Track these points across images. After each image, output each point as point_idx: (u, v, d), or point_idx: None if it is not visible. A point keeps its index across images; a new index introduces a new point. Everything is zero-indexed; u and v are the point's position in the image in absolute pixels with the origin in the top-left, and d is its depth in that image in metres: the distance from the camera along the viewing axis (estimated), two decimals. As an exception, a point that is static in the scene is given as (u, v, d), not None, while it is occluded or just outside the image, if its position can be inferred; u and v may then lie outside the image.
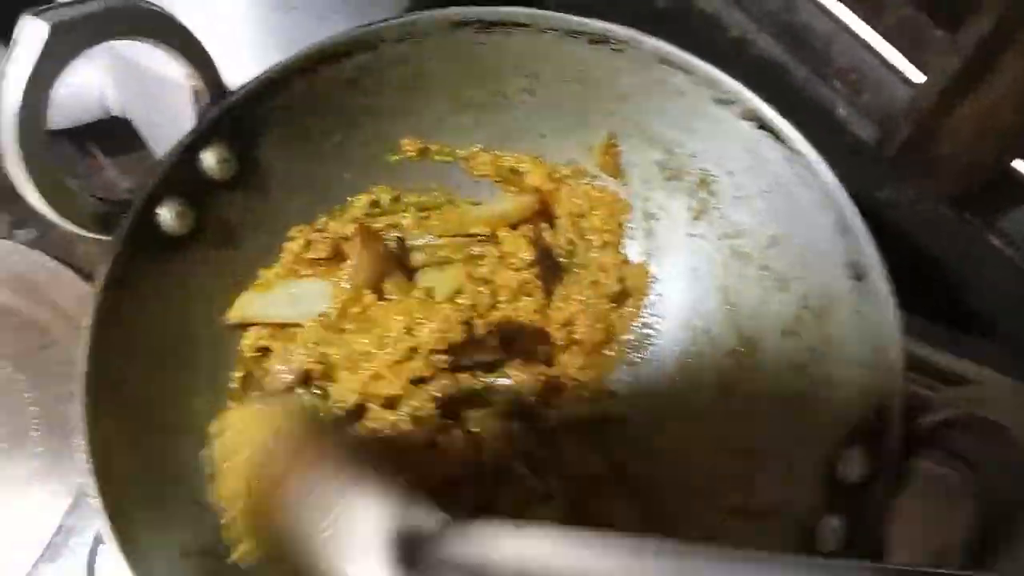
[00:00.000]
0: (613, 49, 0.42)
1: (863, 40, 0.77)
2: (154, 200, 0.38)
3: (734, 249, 0.44)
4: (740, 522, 0.39)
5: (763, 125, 0.40)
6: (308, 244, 0.43)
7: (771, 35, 0.81)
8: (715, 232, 0.44)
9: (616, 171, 0.46)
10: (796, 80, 0.79)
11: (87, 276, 0.66)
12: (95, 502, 0.33)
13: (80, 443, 0.34)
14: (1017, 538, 0.30)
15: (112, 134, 0.68)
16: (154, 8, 0.36)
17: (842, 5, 0.78)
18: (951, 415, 0.33)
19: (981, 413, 0.31)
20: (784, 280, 0.41)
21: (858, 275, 0.37)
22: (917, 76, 0.73)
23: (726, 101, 0.41)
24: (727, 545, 0.38)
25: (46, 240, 0.67)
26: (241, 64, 0.45)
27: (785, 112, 0.50)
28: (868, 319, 0.37)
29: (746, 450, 0.41)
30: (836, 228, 0.38)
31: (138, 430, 0.37)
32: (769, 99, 0.47)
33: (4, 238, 0.68)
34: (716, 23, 0.82)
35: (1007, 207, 0.71)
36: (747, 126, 0.41)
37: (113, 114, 0.64)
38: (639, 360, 0.46)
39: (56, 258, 0.66)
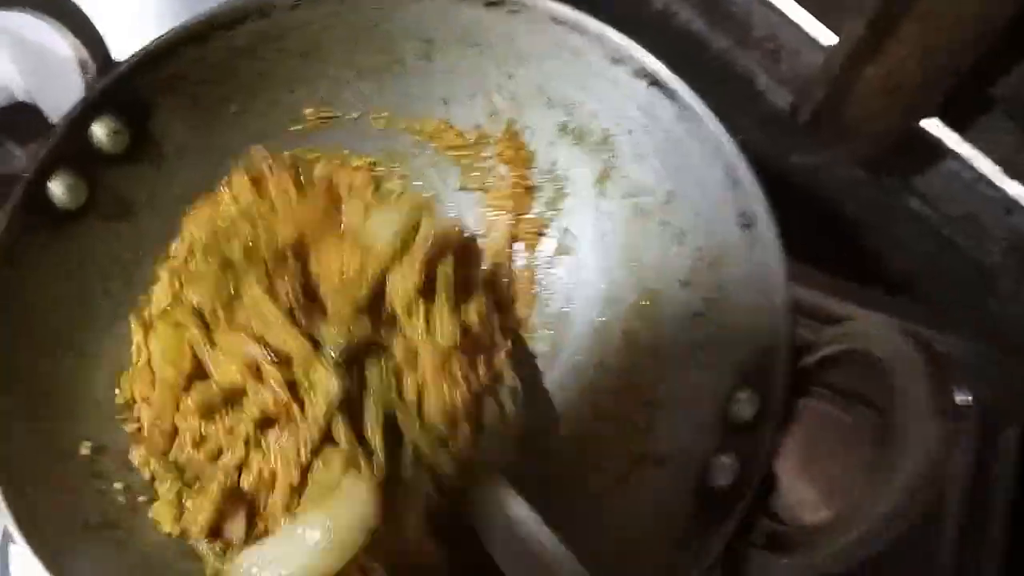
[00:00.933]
0: (509, 11, 0.42)
1: (779, 9, 0.79)
2: (44, 173, 0.37)
3: (636, 207, 0.45)
4: (643, 468, 0.40)
5: (655, 82, 0.41)
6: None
7: (692, 7, 0.82)
8: (619, 191, 0.45)
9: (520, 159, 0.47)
10: (717, 51, 0.81)
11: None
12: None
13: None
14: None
15: (19, 121, 0.66)
16: (30, -25, 0.35)
17: (758, -28, 0.80)
18: (832, 351, 0.34)
19: (858, 347, 0.33)
20: (681, 233, 0.42)
21: (747, 223, 0.38)
22: (830, 40, 0.75)
23: (619, 60, 0.41)
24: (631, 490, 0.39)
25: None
26: (135, 32, 0.44)
27: (706, 82, 0.51)
28: (757, 266, 0.38)
29: (648, 400, 0.42)
30: (726, 180, 0.39)
31: (36, 405, 0.36)
32: (691, 70, 0.48)
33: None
34: (638, -4, 0.83)
35: (921, 168, 0.73)
36: (640, 84, 0.41)
37: (19, 99, 0.63)
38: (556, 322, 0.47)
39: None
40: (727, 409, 0.37)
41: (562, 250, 0.47)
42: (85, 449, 0.38)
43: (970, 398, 0.53)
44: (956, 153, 0.72)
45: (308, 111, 0.45)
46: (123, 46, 0.41)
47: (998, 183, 0.71)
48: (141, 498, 0.39)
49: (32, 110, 0.64)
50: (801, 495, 0.46)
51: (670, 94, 0.41)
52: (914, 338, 0.30)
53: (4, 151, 0.70)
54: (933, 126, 0.71)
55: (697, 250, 0.41)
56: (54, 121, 0.63)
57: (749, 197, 0.38)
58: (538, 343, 0.47)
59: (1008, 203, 0.70)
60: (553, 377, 0.46)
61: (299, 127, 0.45)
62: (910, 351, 0.29)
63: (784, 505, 0.36)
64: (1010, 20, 0.59)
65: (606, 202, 0.46)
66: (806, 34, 0.77)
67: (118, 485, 0.38)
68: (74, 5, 0.37)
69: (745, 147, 0.40)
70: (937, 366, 0.28)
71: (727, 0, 0.81)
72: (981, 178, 0.71)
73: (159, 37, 0.40)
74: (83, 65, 0.39)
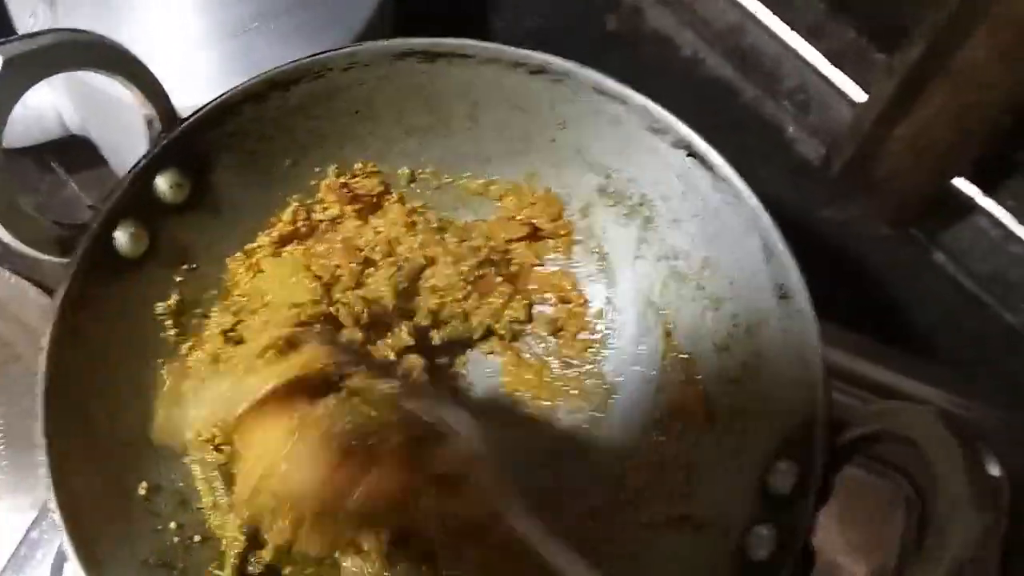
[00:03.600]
0: (553, 80, 0.44)
1: (810, 62, 0.81)
2: (110, 223, 0.39)
3: (672, 270, 0.46)
4: (678, 533, 0.41)
5: (692, 153, 0.42)
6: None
7: (721, 55, 0.84)
8: (654, 254, 0.46)
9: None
10: (746, 99, 0.82)
11: (50, 292, 0.67)
12: (55, 516, 0.34)
13: (41, 458, 0.35)
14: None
15: (72, 151, 0.69)
16: (105, 41, 0.37)
17: (788, 28, 0.81)
18: (869, 430, 0.35)
19: (896, 429, 0.33)
20: (717, 299, 0.43)
21: (783, 295, 0.39)
22: (862, 97, 0.76)
23: (659, 130, 0.43)
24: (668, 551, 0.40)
25: (9, 256, 0.68)
26: (197, 89, 0.46)
27: (734, 131, 0.52)
28: (793, 336, 0.39)
29: (687, 464, 0.43)
30: (762, 251, 0.40)
31: (98, 446, 0.38)
32: (719, 118, 0.49)
33: (-35, 255, 0.68)
34: (668, 43, 0.85)
35: (949, 224, 0.74)
36: (679, 154, 0.43)
37: (72, 132, 0.65)
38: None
39: (19, 274, 0.67)
40: (766, 480, 0.37)
41: (601, 314, 0.48)
42: (142, 489, 0.40)
43: (999, 471, 0.54)
44: (985, 210, 0.73)
45: (357, 166, 0.47)
46: (187, 99, 0.43)
47: (1026, 240, 0.71)
48: (196, 537, 0.40)
49: (83, 142, 0.67)
50: (836, 560, 0.47)
51: (708, 165, 0.42)
52: (952, 423, 0.30)
53: (56, 179, 0.72)
54: (962, 184, 0.72)
55: (733, 316, 0.42)
56: (105, 154, 0.66)
57: (785, 269, 0.39)
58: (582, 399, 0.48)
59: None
60: (601, 435, 0.47)
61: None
62: (949, 439, 0.30)
63: (819, 571, 0.36)
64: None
65: (643, 264, 0.47)
66: (836, 87, 0.79)
67: (172, 525, 0.40)
68: (142, 65, 0.39)
69: (772, 199, 0.41)
70: (976, 455, 0.29)
71: (756, 50, 0.82)
72: (1010, 235, 0.72)
73: (221, 95, 0.42)
74: (149, 121, 0.40)
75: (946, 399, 0.54)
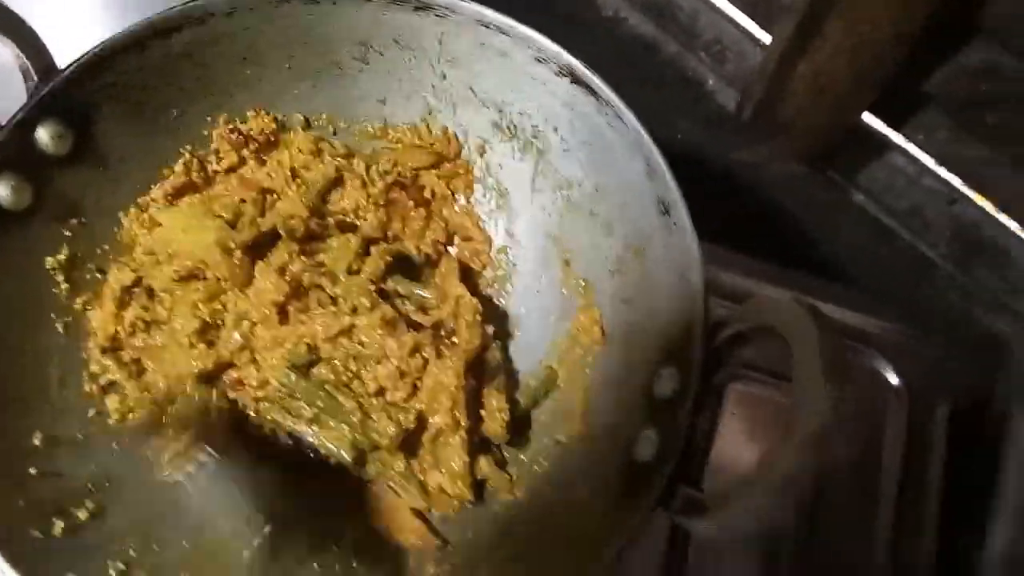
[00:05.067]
0: (437, 16, 0.44)
1: (724, 12, 0.81)
2: (-12, 176, 0.39)
3: (567, 200, 0.46)
4: (579, 445, 0.42)
5: (576, 79, 0.43)
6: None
7: (641, 12, 0.84)
8: (550, 185, 0.47)
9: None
10: (667, 55, 0.83)
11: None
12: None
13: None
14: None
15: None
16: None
17: (701, -23, 0.82)
18: (740, 328, 0.36)
19: (762, 322, 0.34)
20: (609, 224, 0.44)
21: (664, 210, 0.40)
22: (768, 40, 0.77)
23: (543, 60, 0.43)
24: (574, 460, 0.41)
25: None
26: (75, 38, 0.45)
27: (656, 85, 0.53)
28: (675, 249, 0.40)
29: (585, 386, 0.44)
30: (645, 171, 0.41)
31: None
32: (642, 74, 0.49)
33: None
34: (589, 3, 0.86)
35: (865, 163, 0.76)
36: (564, 82, 0.43)
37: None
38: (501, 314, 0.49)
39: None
40: (651, 387, 0.38)
41: (504, 250, 0.49)
42: (37, 440, 0.39)
43: (899, 380, 0.56)
44: (898, 146, 0.74)
45: (251, 113, 0.47)
46: (65, 53, 0.42)
47: (941, 174, 0.73)
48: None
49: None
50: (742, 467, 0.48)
51: (591, 90, 0.43)
52: (809, 309, 0.31)
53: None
54: (874, 121, 0.74)
55: (624, 238, 0.43)
56: None
57: (665, 186, 0.40)
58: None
59: (952, 194, 0.72)
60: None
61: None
62: (806, 321, 0.31)
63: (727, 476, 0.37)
64: (932, 18, 0.62)
65: (540, 196, 0.48)
66: (750, 35, 0.80)
67: (69, 475, 0.40)
68: (16, 16, 0.38)
69: (693, 148, 0.42)
70: (828, 333, 0.30)
71: (674, 4, 0.83)
72: (924, 170, 0.74)
73: (99, 44, 0.41)
74: (25, 72, 0.40)
75: (856, 319, 0.56)
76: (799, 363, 0.31)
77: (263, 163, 0.47)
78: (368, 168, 0.48)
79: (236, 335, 0.43)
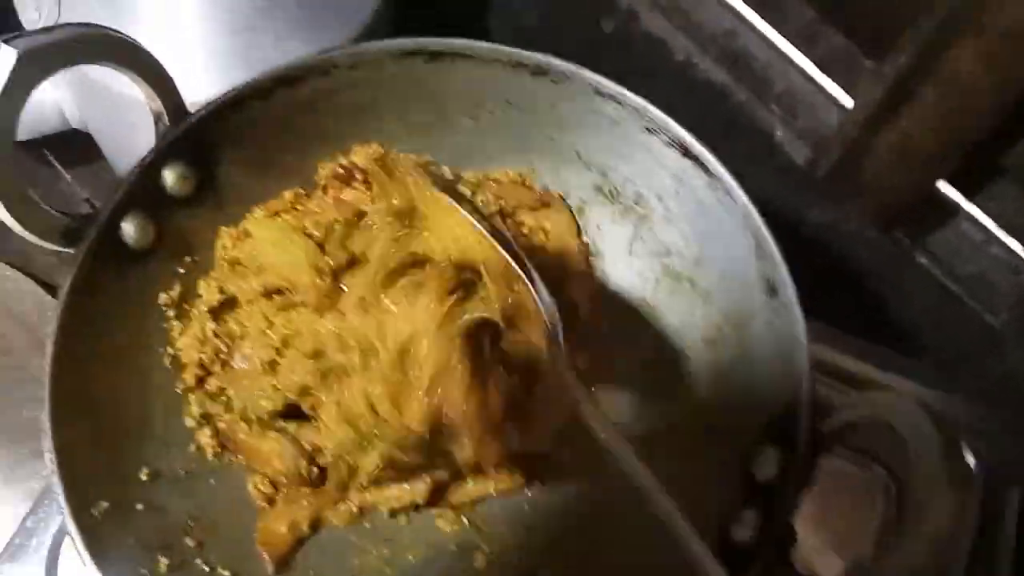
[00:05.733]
0: (553, 80, 0.45)
1: (799, 66, 0.82)
2: (117, 214, 0.40)
3: (664, 267, 0.47)
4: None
5: (687, 153, 0.43)
6: None
7: (714, 60, 0.85)
8: (648, 251, 0.48)
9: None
10: (737, 103, 0.83)
11: (45, 285, 0.67)
12: (60, 500, 0.35)
13: (46, 445, 0.36)
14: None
15: (70, 145, 0.69)
16: (119, 35, 0.38)
17: (779, 33, 0.83)
18: (853, 418, 0.36)
19: (877, 416, 0.35)
20: (707, 295, 0.45)
21: (771, 290, 0.41)
22: (849, 102, 0.78)
23: (654, 130, 0.44)
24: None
25: (4, 250, 0.68)
26: (201, 83, 0.47)
27: (724, 133, 0.53)
28: (779, 330, 0.40)
29: (673, 455, 0.44)
30: (753, 248, 0.42)
31: (101, 432, 0.39)
32: (710, 121, 0.49)
33: (-39, 249, 0.69)
34: (662, 47, 0.86)
35: (933, 227, 0.76)
36: (674, 153, 0.44)
37: (72, 126, 0.66)
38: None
39: (14, 267, 0.67)
40: (751, 465, 0.39)
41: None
42: (143, 475, 0.40)
43: (974, 461, 0.55)
44: (968, 214, 0.74)
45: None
46: (191, 93, 0.44)
47: (1008, 244, 0.73)
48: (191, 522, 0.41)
49: (81, 136, 0.67)
50: (815, 545, 0.48)
51: (702, 165, 0.43)
52: (929, 412, 0.32)
53: (53, 172, 0.73)
54: (946, 187, 0.74)
55: (722, 311, 0.44)
56: (104, 149, 0.67)
57: (775, 266, 0.41)
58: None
59: (1016, 263, 0.72)
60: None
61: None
62: (926, 423, 0.31)
63: (798, 555, 0.38)
64: (1021, 93, 0.62)
65: (637, 261, 0.48)
66: (824, 91, 0.80)
67: (173, 511, 0.41)
68: (154, 60, 0.40)
69: (760, 200, 0.42)
70: (952, 441, 0.31)
71: (748, 55, 0.84)
72: (991, 239, 0.74)
73: (228, 91, 0.43)
74: (158, 115, 0.41)
75: (926, 393, 0.56)
76: (919, 467, 0.31)
77: (369, 187, 0.47)
78: (473, 194, 0.48)
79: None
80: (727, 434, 0.41)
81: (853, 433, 0.37)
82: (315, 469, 0.43)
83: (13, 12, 0.59)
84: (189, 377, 0.44)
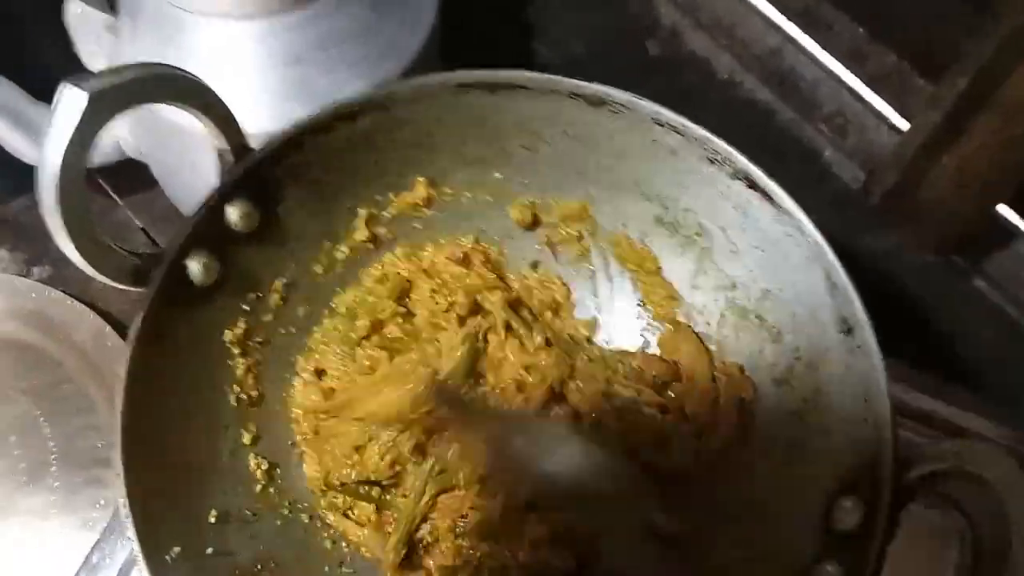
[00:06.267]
0: (611, 111, 0.44)
1: (849, 85, 0.81)
2: (183, 253, 0.40)
3: (730, 301, 0.46)
4: (749, 564, 0.41)
5: (752, 184, 0.42)
6: None
7: (759, 78, 0.84)
8: (712, 284, 0.47)
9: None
10: (783, 122, 0.82)
11: (102, 312, 0.68)
12: (133, 543, 0.35)
13: (119, 487, 0.36)
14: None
15: (123, 174, 0.70)
16: (185, 75, 0.38)
17: (827, 52, 0.81)
18: (939, 468, 0.35)
19: (967, 468, 0.33)
20: (777, 332, 0.44)
21: (847, 329, 0.40)
22: (901, 122, 0.76)
23: (717, 161, 0.43)
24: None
25: (61, 277, 0.69)
26: (254, 115, 0.47)
27: (772, 154, 0.52)
28: (857, 372, 0.39)
29: (748, 500, 0.43)
30: (825, 284, 0.40)
31: (170, 472, 0.39)
32: (757, 140, 0.48)
33: (20, 275, 0.70)
34: (706, 67, 0.86)
35: (991, 252, 0.74)
36: (738, 185, 0.43)
37: (128, 156, 0.66)
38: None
39: (71, 295, 0.68)
40: (831, 516, 0.37)
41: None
42: (212, 517, 0.40)
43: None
44: (1027, 236, 0.72)
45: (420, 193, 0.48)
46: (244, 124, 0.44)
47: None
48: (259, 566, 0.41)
49: (135, 164, 0.68)
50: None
51: (768, 197, 0.42)
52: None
53: (108, 203, 0.74)
54: (1005, 211, 0.72)
55: (794, 350, 0.42)
56: (161, 179, 0.67)
57: (850, 303, 0.39)
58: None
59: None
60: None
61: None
62: (1020, 478, 0.30)
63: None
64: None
65: (698, 294, 0.47)
66: (875, 111, 0.79)
67: (240, 551, 0.40)
68: (218, 98, 0.40)
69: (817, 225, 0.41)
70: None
71: (794, 74, 0.83)
72: (1054, 263, 0.72)
73: (290, 127, 0.43)
74: (221, 152, 0.41)
75: (1004, 435, 0.54)
76: (1018, 523, 0.30)
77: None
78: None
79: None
80: (802, 481, 0.40)
81: (937, 482, 0.35)
82: None
83: (70, 42, 0.60)
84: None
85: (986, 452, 0.32)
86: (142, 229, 0.73)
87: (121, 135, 0.64)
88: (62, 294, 0.68)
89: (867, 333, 0.38)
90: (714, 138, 0.43)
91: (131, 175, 0.69)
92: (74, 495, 0.61)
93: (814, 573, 0.36)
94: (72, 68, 0.58)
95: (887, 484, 0.35)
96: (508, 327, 0.47)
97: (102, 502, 0.60)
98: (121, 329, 0.67)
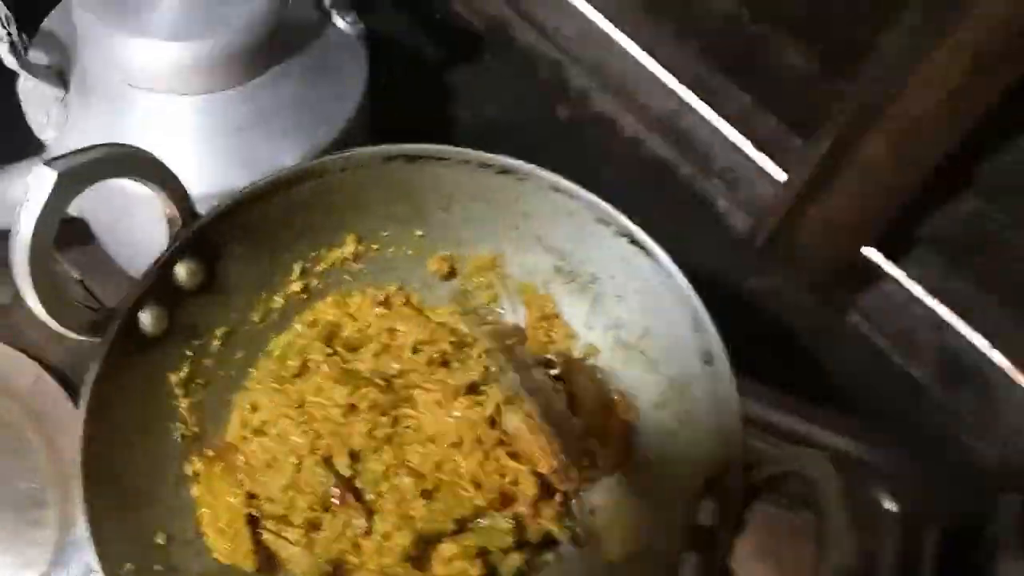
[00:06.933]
0: (517, 178, 0.52)
1: (738, 145, 0.91)
2: (136, 307, 0.45)
3: (616, 338, 0.54)
4: (631, 562, 0.48)
5: (633, 241, 0.50)
6: None
7: (660, 137, 0.93)
8: (602, 324, 0.54)
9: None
10: (682, 176, 0.92)
11: (40, 361, 0.71)
12: (94, 563, 0.40)
13: (81, 517, 0.41)
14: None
15: (64, 230, 0.73)
16: (143, 153, 0.44)
17: (718, 116, 0.91)
18: (776, 471, 0.43)
19: (797, 469, 0.41)
20: (654, 363, 0.51)
21: (708, 361, 0.47)
22: (782, 176, 0.86)
23: (605, 221, 0.51)
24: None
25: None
26: (199, 180, 0.53)
27: (672, 203, 0.59)
28: (716, 395, 0.47)
29: (632, 505, 0.50)
30: (691, 324, 0.48)
31: (123, 501, 0.44)
32: (659, 192, 0.55)
33: (-45, 325, 0.72)
34: (611, 126, 0.95)
35: (861, 290, 0.84)
36: (622, 241, 0.51)
37: (71, 215, 0.71)
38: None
39: (9, 344, 0.71)
40: (694, 515, 0.45)
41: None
42: (160, 539, 0.45)
43: (895, 507, 0.62)
44: (892, 277, 0.82)
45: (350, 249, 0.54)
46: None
47: (929, 304, 0.81)
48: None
49: (75, 222, 0.72)
50: (753, 583, 0.54)
51: (647, 251, 0.50)
52: (840, 463, 0.38)
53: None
54: (873, 254, 0.82)
55: (668, 378, 0.50)
56: (100, 237, 0.72)
57: (710, 340, 0.47)
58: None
59: (937, 321, 0.80)
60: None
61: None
62: (834, 476, 0.38)
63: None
64: (934, 172, 0.71)
65: (591, 333, 0.55)
66: (760, 167, 0.89)
67: (189, 569, 0.45)
68: (171, 173, 0.45)
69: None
70: (856, 486, 0.37)
71: (691, 134, 0.92)
72: (913, 299, 0.82)
73: (233, 194, 0.49)
74: (171, 219, 0.47)
75: (853, 445, 0.62)
76: (827, 512, 0.37)
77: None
78: None
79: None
80: (677, 487, 0.47)
81: (779, 483, 0.43)
82: None
83: (22, 116, 0.65)
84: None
85: (808, 455, 0.40)
86: (80, 281, 0.76)
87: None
88: (-1, 343, 0.71)
89: (723, 364, 0.46)
90: (602, 203, 0.51)
91: (68, 231, 0.73)
92: (17, 536, 0.64)
93: (680, 564, 0.43)
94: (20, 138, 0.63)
95: (736, 485, 0.42)
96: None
97: (41, 540, 0.63)
98: (57, 376, 0.70)
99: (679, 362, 0.49)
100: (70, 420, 0.67)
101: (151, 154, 0.44)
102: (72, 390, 0.70)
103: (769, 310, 0.85)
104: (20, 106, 0.64)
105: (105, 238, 0.72)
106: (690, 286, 0.49)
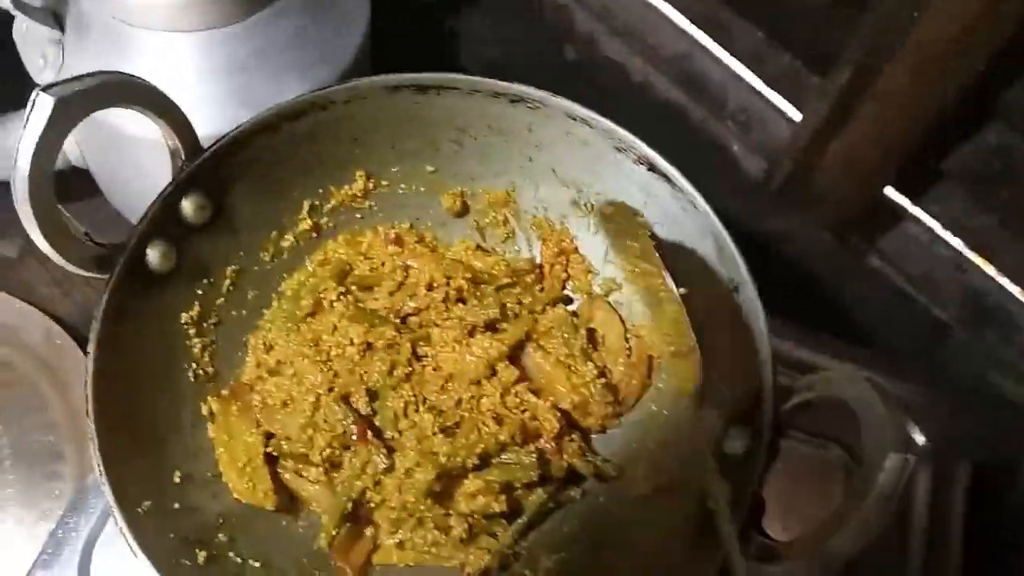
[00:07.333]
0: (529, 107, 0.50)
1: (750, 85, 0.88)
2: (143, 242, 0.44)
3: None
4: (658, 501, 0.47)
5: (653, 168, 0.48)
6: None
7: (670, 80, 0.91)
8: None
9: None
10: (694, 120, 0.89)
11: (51, 315, 0.70)
12: (110, 499, 0.39)
13: (93, 450, 0.39)
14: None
15: (67, 182, 0.72)
16: (141, 81, 0.42)
17: (730, 55, 0.89)
18: (810, 396, 0.41)
19: (830, 393, 0.40)
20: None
21: (734, 287, 0.46)
22: (797, 115, 0.84)
23: (623, 149, 0.49)
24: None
25: (9, 283, 0.71)
26: (201, 120, 0.51)
27: (685, 149, 0.58)
28: (743, 324, 0.45)
29: (662, 440, 0.49)
30: (715, 250, 0.47)
31: (138, 441, 0.43)
32: (671, 137, 0.54)
33: (-32, 282, 0.71)
34: (621, 70, 0.92)
35: (883, 231, 0.82)
36: (641, 169, 0.49)
37: (72, 164, 0.69)
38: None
39: (20, 299, 0.70)
40: (723, 444, 0.43)
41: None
42: (176, 478, 0.44)
43: (924, 439, 0.61)
44: (914, 217, 0.80)
45: (359, 186, 0.53)
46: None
47: (952, 243, 0.79)
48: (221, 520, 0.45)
49: (79, 173, 0.71)
50: (787, 519, 0.53)
51: (666, 178, 0.48)
52: (875, 386, 0.37)
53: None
54: (893, 193, 0.80)
55: (695, 309, 0.49)
56: (104, 186, 0.70)
57: (735, 265, 0.46)
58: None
59: (960, 261, 0.78)
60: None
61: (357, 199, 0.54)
62: (873, 395, 0.36)
63: (774, 528, 0.42)
64: (956, 103, 0.68)
65: (611, 268, 0.53)
66: (775, 107, 0.86)
67: (205, 508, 0.44)
68: (171, 102, 0.44)
69: (720, 212, 0.47)
70: (894, 408, 0.35)
71: (702, 76, 0.90)
72: (936, 239, 0.80)
73: (238, 126, 0.47)
74: (174, 151, 0.45)
75: (882, 381, 0.61)
76: (867, 433, 0.36)
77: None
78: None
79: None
80: (704, 417, 0.46)
81: (811, 413, 0.42)
82: None
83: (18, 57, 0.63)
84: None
85: (844, 377, 0.38)
86: (86, 233, 0.75)
87: (67, 144, 0.67)
88: (7, 296, 0.70)
89: (749, 290, 0.45)
90: (619, 129, 0.49)
91: (73, 183, 0.72)
92: (32, 488, 0.63)
93: (710, 492, 0.42)
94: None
95: (768, 412, 0.41)
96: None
97: (57, 492, 0.63)
98: (70, 329, 0.70)
99: (704, 293, 0.48)
100: (83, 373, 0.66)
101: (149, 83, 0.43)
102: (84, 344, 0.69)
103: (788, 254, 0.83)
104: (19, 57, 0.62)
105: (111, 189, 0.70)
106: (710, 211, 0.47)
